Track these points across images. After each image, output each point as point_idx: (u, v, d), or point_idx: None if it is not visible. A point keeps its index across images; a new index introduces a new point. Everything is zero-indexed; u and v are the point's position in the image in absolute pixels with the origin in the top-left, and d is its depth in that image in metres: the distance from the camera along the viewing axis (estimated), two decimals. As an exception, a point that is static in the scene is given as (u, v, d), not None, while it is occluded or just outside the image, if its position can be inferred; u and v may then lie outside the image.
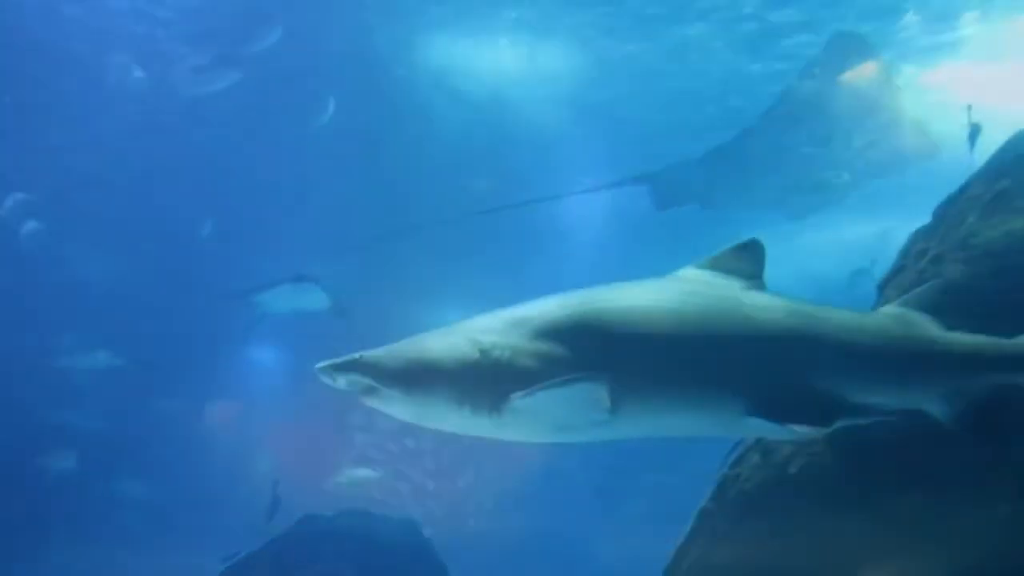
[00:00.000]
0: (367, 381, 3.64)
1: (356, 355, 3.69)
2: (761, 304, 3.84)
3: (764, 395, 3.61)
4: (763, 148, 14.77)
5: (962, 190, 5.14)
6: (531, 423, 3.61)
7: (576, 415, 3.53)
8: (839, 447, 4.71)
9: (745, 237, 4.09)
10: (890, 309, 4.11)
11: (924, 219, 5.25)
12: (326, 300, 15.15)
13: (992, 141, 5.32)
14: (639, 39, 14.59)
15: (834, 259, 18.78)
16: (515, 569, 18.03)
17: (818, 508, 4.72)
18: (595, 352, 3.56)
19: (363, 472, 18.47)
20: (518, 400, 3.46)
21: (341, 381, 3.69)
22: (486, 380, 3.54)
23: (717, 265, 4.07)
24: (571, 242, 20.19)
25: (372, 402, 3.72)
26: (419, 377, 3.59)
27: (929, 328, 3.96)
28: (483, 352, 3.57)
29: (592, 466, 19.39)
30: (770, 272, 4.03)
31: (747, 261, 4.07)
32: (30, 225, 15.91)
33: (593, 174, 18.86)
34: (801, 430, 3.61)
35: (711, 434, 3.94)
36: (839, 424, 3.67)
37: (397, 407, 3.69)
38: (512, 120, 16.71)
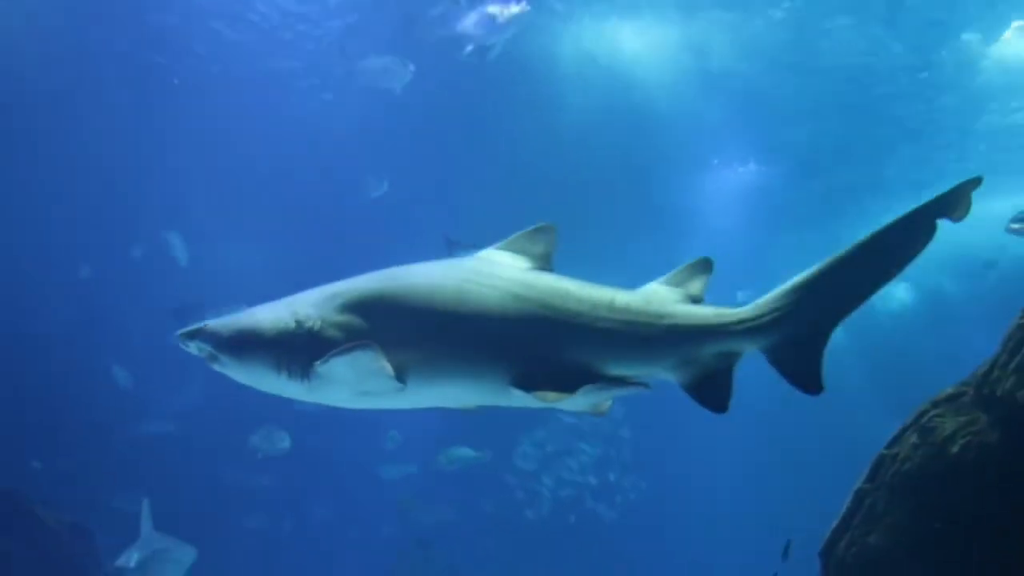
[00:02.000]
0: (208, 348, 4.03)
1: (202, 323, 4.09)
2: (532, 284, 4.15)
3: (524, 367, 3.96)
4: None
5: None
6: (333, 388, 3.96)
7: (367, 382, 3.87)
8: (1003, 426, 4.58)
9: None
10: (648, 286, 4.40)
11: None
12: None
13: None
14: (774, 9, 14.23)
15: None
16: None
17: (980, 489, 4.60)
18: (388, 325, 3.92)
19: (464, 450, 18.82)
20: (319, 366, 3.81)
21: (192, 347, 4.08)
22: (299, 348, 3.89)
23: (512, 247, 4.41)
24: (716, 218, 19.96)
25: (216, 367, 4.09)
26: (245, 345, 3.97)
27: (668, 303, 4.26)
28: (298, 323, 3.93)
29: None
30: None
31: (539, 243, 4.41)
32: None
33: (728, 152, 18.63)
34: (547, 397, 3.89)
35: (488, 403, 4.19)
36: (585, 391, 3.97)
37: (232, 372, 4.06)
38: (643, 101, 16.55)
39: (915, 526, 4.78)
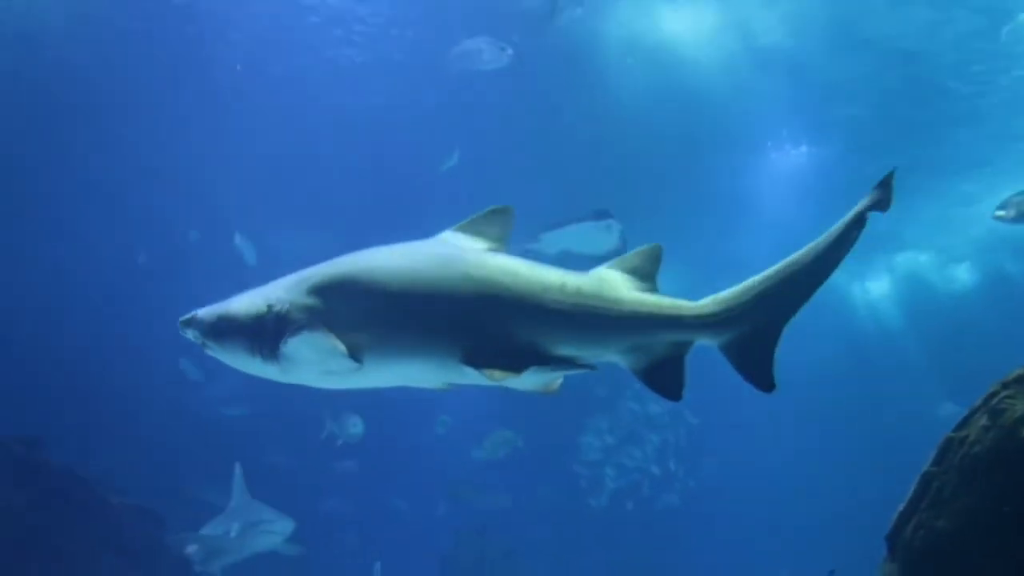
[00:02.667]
0: (198, 335, 4.28)
1: (194, 312, 4.32)
2: (484, 264, 4.26)
3: (473, 345, 4.07)
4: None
5: None
6: (300, 368, 4.15)
7: (326, 362, 4.06)
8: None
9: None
10: (599, 270, 4.45)
11: None
12: (616, 242, 13.37)
13: None
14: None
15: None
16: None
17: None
18: (346, 306, 4.10)
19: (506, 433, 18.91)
20: (283, 348, 4.03)
21: (189, 335, 4.33)
22: (268, 332, 4.09)
23: (470, 228, 4.53)
24: (771, 202, 19.74)
25: (208, 352, 4.34)
26: (223, 330, 4.21)
27: (622, 288, 4.33)
28: (269, 307, 4.13)
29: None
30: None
31: (497, 225, 4.54)
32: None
33: (782, 134, 18.39)
34: (495, 375, 4.01)
35: (444, 381, 4.33)
36: (532, 371, 4.10)
37: (220, 356, 4.30)
38: (693, 84, 16.42)
39: (985, 510, 4.71)
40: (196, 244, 18.27)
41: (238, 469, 11.62)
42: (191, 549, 11.38)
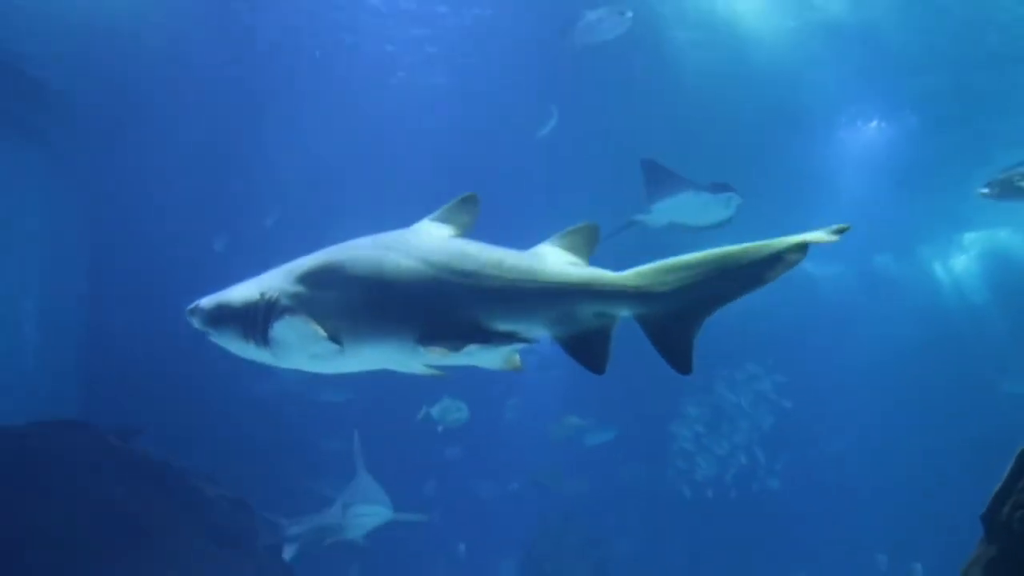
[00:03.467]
0: (200, 323, 4.62)
1: (197, 301, 4.63)
2: (442, 249, 4.52)
3: (426, 326, 4.35)
4: None
5: None
6: (289, 353, 4.48)
7: (309, 345, 4.38)
8: None
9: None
10: (541, 245, 4.67)
11: None
12: (730, 216, 12.76)
13: None
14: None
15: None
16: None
17: None
18: (325, 294, 4.42)
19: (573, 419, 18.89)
20: (271, 333, 4.37)
21: (195, 323, 4.65)
22: (260, 319, 4.42)
23: (441, 216, 4.80)
24: (845, 179, 19.41)
25: (212, 339, 4.66)
26: (219, 318, 4.55)
27: (555, 263, 4.51)
28: (261, 295, 4.46)
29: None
30: None
31: (464, 213, 4.78)
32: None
33: (854, 109, 18.05)
34: (437, 352, 4.32)
35: (411, 362, 4.58)
36: (472, 348, 4.34)
37: (220, 343, 4.63)
38: (760, 61, 16.21)
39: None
40: (272, 231, 18.51)
41: (357, 440, 11.62)
42: (297, 529, 11.54)
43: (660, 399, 20.66)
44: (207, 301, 4.61)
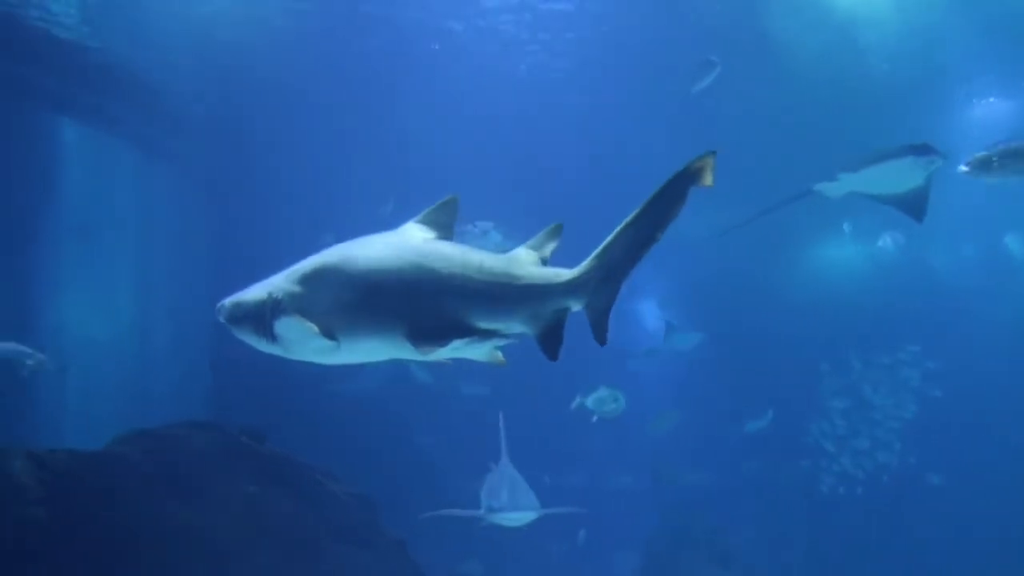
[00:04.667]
0: (223, 321, 4.99)
1: (223, 300, 5.00)
2: (425, 251, 4.86)
3: (413, 324, 4.69)
4: None
5: None
6: (294, 348, 4.89)
7: (308, 341, 4.75)
8: None
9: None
10: (518, 248, 5.01)
11: None
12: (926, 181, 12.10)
13: None
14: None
15: None
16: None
17: None
18: (321, 293, 4.79)
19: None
20: (275, 331, 4.79)
21: (220, 319, 5.01)
22: (267, 317, 4.82)
23: (424, 219, 5.13)
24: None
25: (236, 335, 5.02)
26: (234, 316, 4.95)
27: (524, 265, 4.87)
28: (268, 295, 4.83)
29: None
30: None
31: (444, 215, 5.13)
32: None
33: (981, 80, 17.34)
34: (424, 349, 4.68)
35: (399, 356, 4.94)
36: (456, 344, 4.72)
37: (242, 339, 5.00)
38: (884, 36, 15.71)
39: None
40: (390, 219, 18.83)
41: (502, 421, 11.47)
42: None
43: (795, 392, 20.31)
44: (229, 300, 5.01)
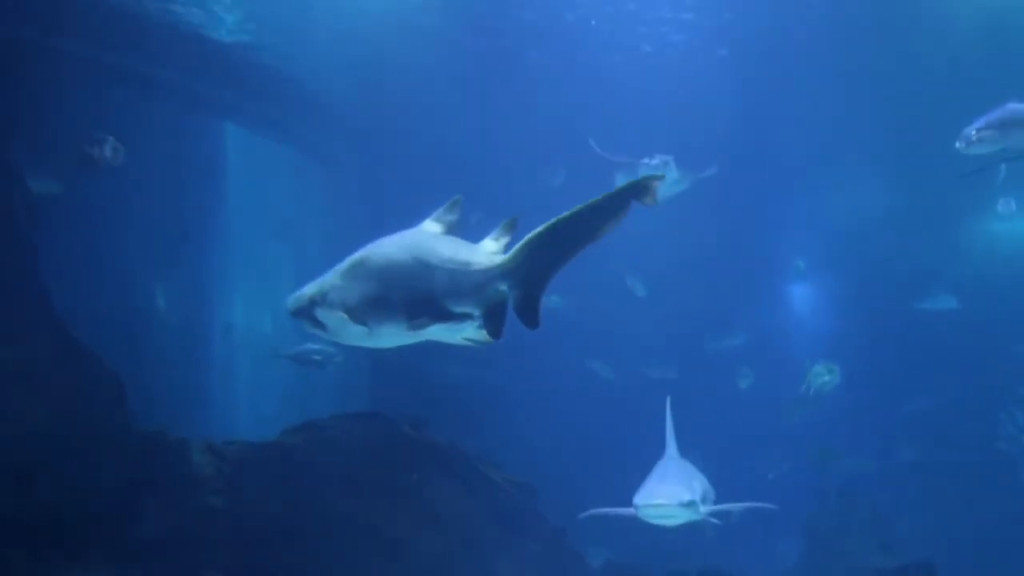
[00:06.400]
0: (291, 315, 5.67)
1: (292, 294, 5.66)
2: (427, 246, 5.45)
3: (410, 310, 5.33)
4: None
5: None
6: (339, 334, 5.54)
7: (345, 327, 5.41)
8: None
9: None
10: (486, 241, 5.49)
11: None
12: None
13: None
14: None
15: None
16: None
17: None
18: (354, 285, 5.42)
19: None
20: (320, 319, 5.49)
21: (288, 313, 5.69)
22: (315, 308, 5.50)
23: (436, 216, 5.77)
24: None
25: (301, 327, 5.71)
26: (299, 310, 5.60)
27: (484, 254, 5.37)
28: (319, 289, 5.50)
29: None
30: None
31: (452, 213, 5.74)
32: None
33: None
34: (419, 332, 5.37)
35: (411, 340, 5.55)
36: (435, 328, 5.35)
37: (307, 330, 5.68)
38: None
39: None
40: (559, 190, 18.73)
41: (668, 405, 10.94)
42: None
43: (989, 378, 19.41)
44: (293, 296, 5.64)
